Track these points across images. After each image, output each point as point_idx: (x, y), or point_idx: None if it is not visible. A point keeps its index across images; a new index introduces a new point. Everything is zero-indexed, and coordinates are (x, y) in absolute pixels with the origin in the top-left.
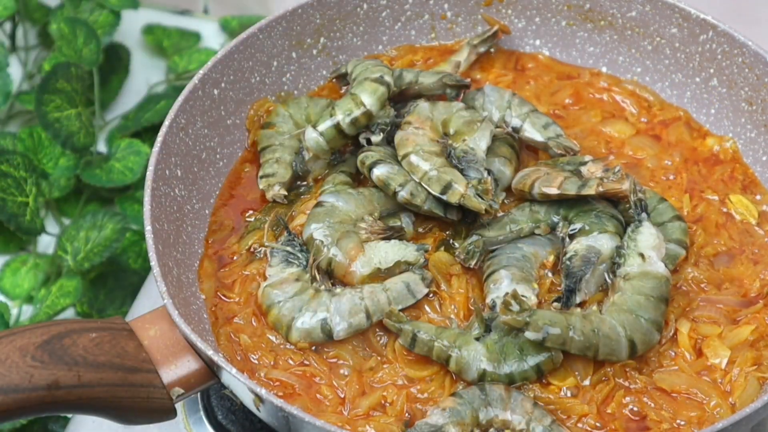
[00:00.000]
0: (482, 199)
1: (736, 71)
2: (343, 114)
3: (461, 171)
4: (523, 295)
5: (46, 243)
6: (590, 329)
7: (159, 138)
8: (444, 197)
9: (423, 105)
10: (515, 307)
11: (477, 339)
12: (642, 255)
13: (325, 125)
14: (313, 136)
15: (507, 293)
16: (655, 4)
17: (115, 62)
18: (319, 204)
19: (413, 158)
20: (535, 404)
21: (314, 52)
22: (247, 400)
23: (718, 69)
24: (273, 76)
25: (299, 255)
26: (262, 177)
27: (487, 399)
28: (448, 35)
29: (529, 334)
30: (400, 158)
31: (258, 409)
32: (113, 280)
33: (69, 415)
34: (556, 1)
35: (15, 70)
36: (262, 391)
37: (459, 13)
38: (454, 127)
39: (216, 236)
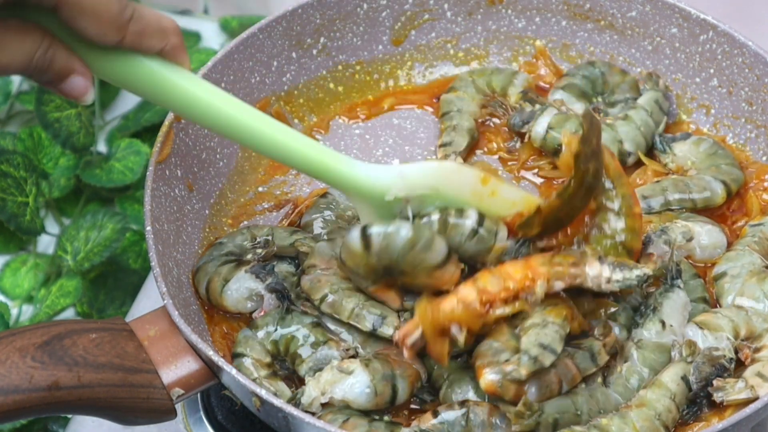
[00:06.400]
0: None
1: (736, 71)
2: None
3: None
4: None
5: (46, 243)
6: (597, 410)
7: (159, 138)
8: (376, 333)
9: (321, 245)
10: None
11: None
12: (663, 322)
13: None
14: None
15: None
16: (655, 4)
17: None
18: (325, 195)
19: (331, 298)
20: None
21: (314, 52)
22: (247, 400)
23: (718, 69)
24: (273, 76)
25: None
26: (440, 146)
27: (468, 426)
28: (448, 35)
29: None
30: (317, 303)
31: (258, 409)
32: (113, 280)
33: (69, 416)
34: (556, 1)
35: None
36: (262, 392)
37: (459, 13)
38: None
39: (215, 231)
